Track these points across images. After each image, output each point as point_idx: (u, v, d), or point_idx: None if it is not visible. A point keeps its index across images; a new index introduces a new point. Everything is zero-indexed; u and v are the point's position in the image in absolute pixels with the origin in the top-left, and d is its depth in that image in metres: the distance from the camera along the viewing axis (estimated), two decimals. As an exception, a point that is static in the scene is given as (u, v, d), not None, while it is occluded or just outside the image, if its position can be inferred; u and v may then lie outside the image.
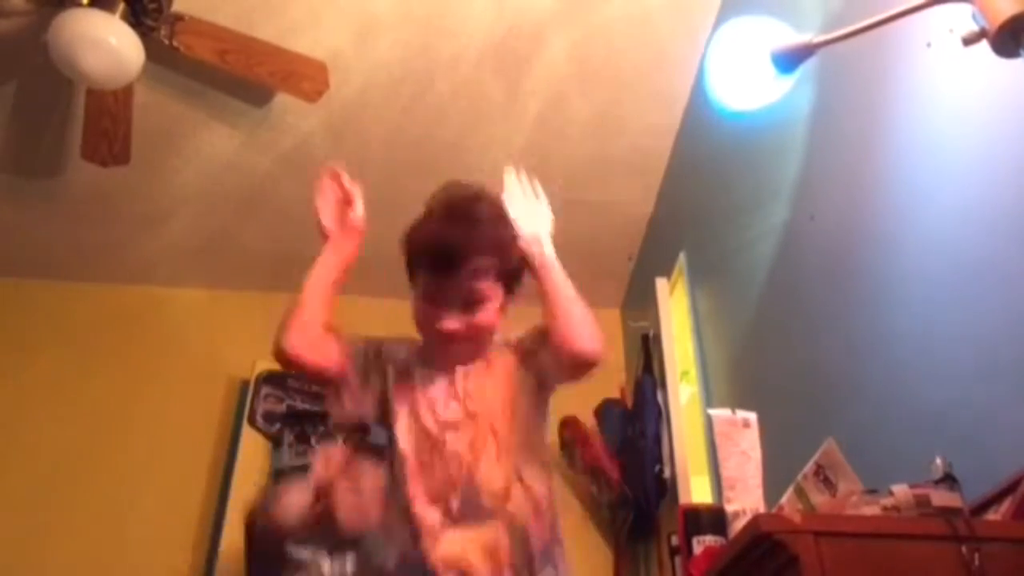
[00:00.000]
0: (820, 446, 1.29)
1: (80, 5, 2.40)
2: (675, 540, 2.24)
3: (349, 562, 1.39)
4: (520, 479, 1.50)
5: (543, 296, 1.57)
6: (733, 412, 1.64)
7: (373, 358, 1.61)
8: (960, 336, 1.41)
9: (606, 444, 3.23)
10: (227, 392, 3.56)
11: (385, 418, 1.53)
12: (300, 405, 3.44)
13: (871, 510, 1.13)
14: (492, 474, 1.48)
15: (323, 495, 1.44)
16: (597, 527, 3.37)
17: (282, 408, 3.42)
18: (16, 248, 3.58)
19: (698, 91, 2.84)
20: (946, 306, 1.46)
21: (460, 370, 1.59)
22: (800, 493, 1.28)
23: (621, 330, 3.86)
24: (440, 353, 1.60)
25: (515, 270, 1.64)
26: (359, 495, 1.44)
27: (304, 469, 3.30)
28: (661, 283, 3.08)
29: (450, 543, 1.41)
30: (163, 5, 2.50)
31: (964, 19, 1.19)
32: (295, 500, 1.45)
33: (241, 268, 3.73)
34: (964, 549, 1.01)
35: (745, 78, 1.60)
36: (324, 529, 1.41)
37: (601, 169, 3.23)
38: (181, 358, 3.60)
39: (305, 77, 2.66)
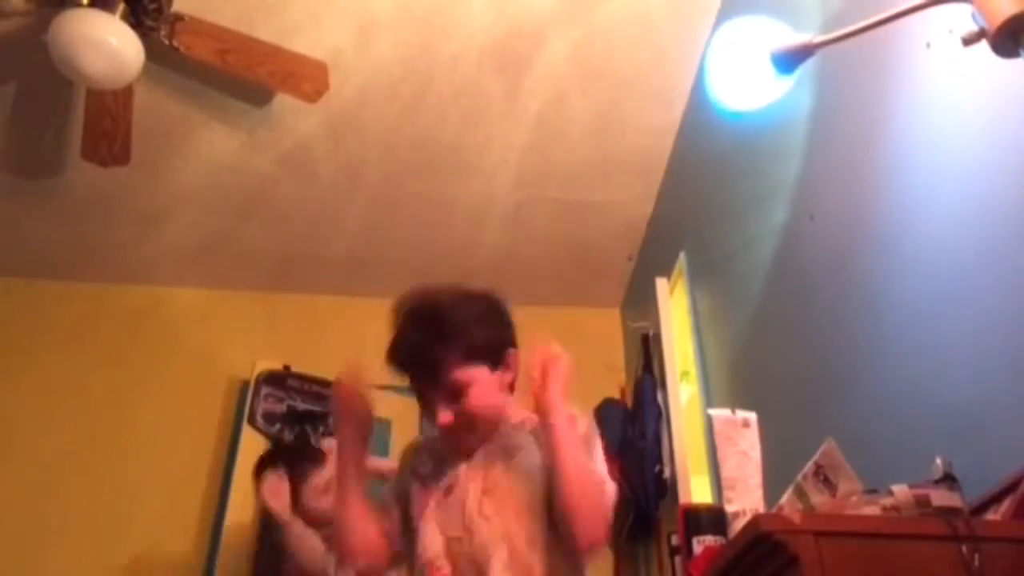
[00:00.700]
0: (820, 446, 1.29)
1: (80, 5, 2.40)
2: (675, 540, 2.24)
3: None
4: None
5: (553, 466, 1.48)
6: (733, 412, 1.64)
7: (399, 495, 1.61)
8: (960, 336, 1.41)
9: (606, 444, 3.22)
10: (227, 392, 3.56)
11: (410, 535, 1.54)
12: (300, 405, 3.44)
13: (871, 510, 1.13)
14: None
15: None
16: (597, 527, 3.37)
17: (282, 408, 3.43)
18: (16, 248, 3.58)
19: (698, 91, 2.84)
20: (946, 306, 1.46)
21: (478, 461, 1.56)
22: (800, 493, 1.28)
23: (621, 330, 3.87)
24: (452, 444, 1.59)
25: (487, 346, 1.56)
26: None
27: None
28: (661, 283, 3.08)
29: None
30: (163, 5, 2.50)
31: (964, 19, 1.19)
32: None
33: (241, 268, 3.73)
34: (964, 549, 1.01)
35: (745, 78, 1.60)
36: None
37: (601, 169, 3.23)
38: (181, 358, 3.60)
39: (305, 77, 2.66)
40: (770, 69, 1.53)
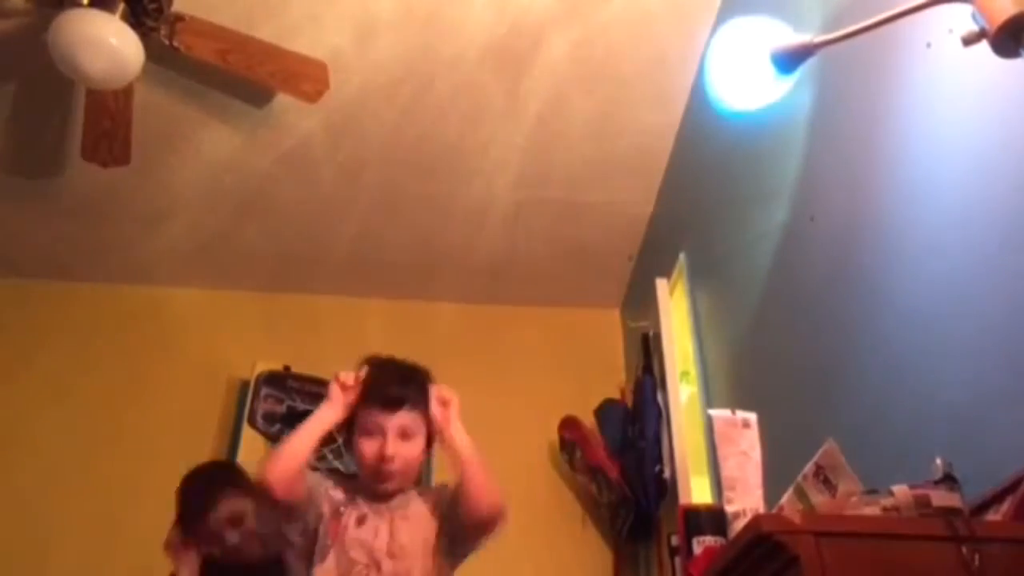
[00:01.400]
0: (820, 446, 1.29)
1: (80, 5, 2.40)
2: (675, 540, 2.24)
3: None
4: None
5: (452, 458, 1.83)
6: (733, 412, 1.63)
7: (316, 497, 1.82)
8: (960, 336, 1.41)
9: (606, 444, 3.23)
10: (227, 392, 3.56)
11: (312, 554, 1.77)
12: (300, 405, 3.44)
13: (871, 510, 1.13)
14: None
15: None
16: (597, 527, 3.37)
17: (282, 408, 3.42)
18: (16, 248, 3.58)
19: (698, 91, 2.84)
20: (946, 306, 1.46)
21: (390, 504, 1.84)
22: (800, 493, 1.28)
23: (621, 330, 3.87)
24: (371, 484, 1.85)
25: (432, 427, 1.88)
26: None
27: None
28: (661, 283, 3.08)
29: None
30: (163, 5, 2.50)
31: (964, 19, 1.19)
32: None
33: (241, 268, 3.73)
34: (964, 549, 1.00)
35: (745, 78, 1.61)
36: None
37: (601, 169, 3.23)
38: (181, 358, 3.60)
39: (305, 77, 2.66)
40: (770, 69, 1.53)
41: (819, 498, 1.24)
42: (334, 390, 1.86)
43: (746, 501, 1.52)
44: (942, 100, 1.51)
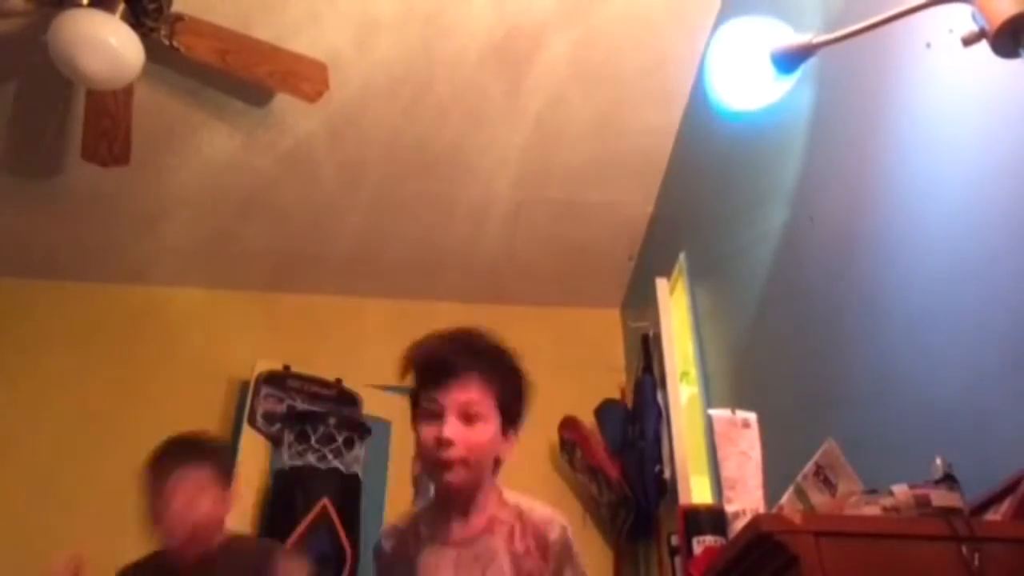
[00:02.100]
0: (820, 446, 1.29)
1: (80, 5, 2.40)
2: (675, 540, 2.24)
3: None
4: None
5: None
6: (733, 412, 1.63)
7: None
8: (960, 336, 1.41)
9: (606, 444, 3.23)
10: (227, 392, 3.56)
11: None
12: (300, 405, 3.44)
13: (871, 510, 1.13)
14: None
15: None
16: (597, 527, 3.37)
17: (282, 408, 3.42)
18: (16, 248, 3.58)
19: (698, 91, 2.84)
20: (946, 306, 1.46)
21: (465, 549, 1.49)
22: (800, 493, 1.28)
23: (621, 330, 3.87)
24: (439, 482, 1.52)
25: (512, 401, 1.54)
26: None
27: (304, 470, 3.28)
28: (661, 283, 3.08)
29: None
30: (163, 5, 2.50)
31: (964, 19, 1.19)
32: None
33: (241, 268, 3.73)
34: (964, 549, 1.00)
35: (745, 78, 1.60)
36: None
37: (601, 169, 3.23)
38: (181, 358, 3.60)
39: (305, 77, 2.66)
40: (770, 69, 1.53)
41: (819, 498, 1.24)
42: None
43: (746, 501, 1.52)
44: (942, 100, 1.51)
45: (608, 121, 3.03)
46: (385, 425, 3.46)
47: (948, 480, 1.13)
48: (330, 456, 3.22)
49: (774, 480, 1.52)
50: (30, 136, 3.06)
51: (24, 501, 3.22)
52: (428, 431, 1.47)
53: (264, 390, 3.45)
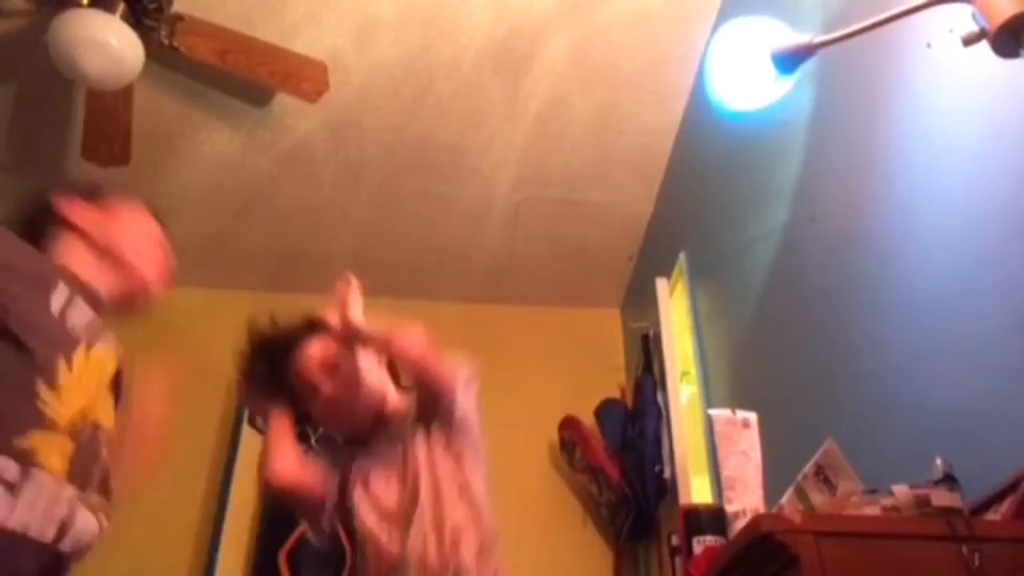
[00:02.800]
0: (820, 446, 1.29)
1: (80, 5, 2.40)
2: (675, 540, 2.24)
3: None
4: None
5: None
6: (733, 412, 1.63)
7: None
8: (960, 336, 1.41)
9: (606, 444, 3.23)
10: (227, 392, 3.56)
11: None
12: (300, 405, 3.43)
13: (871, 510, 1.13)
14: None
15: None
16: (597, 527, 3.37)
17: (282, 408, 3.42)
18: (16, 248, 3.58)
19: (698, 91, 2.84)
20: (946, 306, 1.46)
21: None
22: (800, 493, 1.28)
23: (621, 330, 3.87)
24: None
25: None
26: None
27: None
28: (661, 283, 3.08)
29: None
30: (163, 5, 2.50)
31: (964, 19, 1.19)
32: None
33: (241, 268, 3.73)
34: (964, 549, 1.01)
35: (745, 78, 1.60)
36: None
37: (601, 169, 3.23)
38: (181, 358, 3.59)
39: (305, 77, 2.66)
40: (770, 69, 1.53)
41: (819, 498, 1.24)
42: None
43: (746, 501, 1.52)
44: (942, 100, 1.51)
45: (608, 121, 3.03)
46: (385, 425, 3.46)
47: (948, 480, 1.13)
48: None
49: (774, 480, 1.52)
50: (30, 136, 3.06)
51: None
52: None
53: (264, 390, 3.44)
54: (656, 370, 3.08)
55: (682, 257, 2.96)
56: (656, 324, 3.04)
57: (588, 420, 3.35)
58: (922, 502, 1.10)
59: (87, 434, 1.25)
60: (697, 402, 2.72)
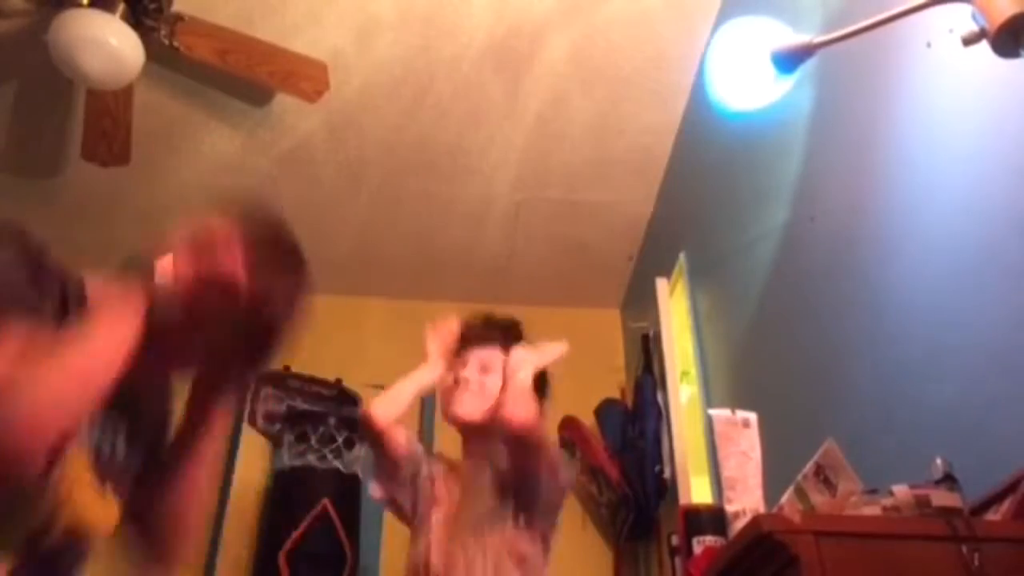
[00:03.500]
0: (820, 446, 1.29)
1: (80, 5, 2.40)
2: (675, 540, 2.24)
3: None
4: None
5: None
6: (733, 412, 1.63)
7: (416, 456, 1.92)
8: (960, 336, 1.41)
9: (606, 444, 3.23)
10: (227, 392, 3.55)
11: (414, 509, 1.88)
12: (300, 405, 3.44)
13: (871, 510, 1.13)
14: None
15: None
16: (597, 527, 3.37)
17: (282, 408, 3.42)
18: (16, 248, 3.58)
19: (698, 91, 2.83)
20: (946, 306, 1.46)
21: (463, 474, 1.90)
22: (800, 493, 1.28)
23: (621, 330, 3.87)
24: (448, 408, 1.96)
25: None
26: None
27: (304, 470, 3.28)
28: (661, 283, 3.08)
29: None
30: (163, 5, 2.50)
31: (964, 19, 1.19)
32: None
33: (241, 268, 3.72)
34: (964, 549, 1.01)
35: (745, 78, 1.60)
36: None
37: (601, 169, 3.23)
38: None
39: (305, 77, 2.66)
40: (770, 69, 1.53)
41: (819, 498, 1.24)
42: (431, 349, 1.98)
43: (746, 501, 1.52)
44: (942, 100, 1.51)
45: (608, 121, 3.03)
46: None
47: (948, 480, 1.13)
48: (330, 456, 3.22)
49: (774, 480, 1.52)
50: (30, 136, 3.06)
51: (24, 501, 3.22)
52: (452, 378, 1.94)
53: (264, 390, 3.45)
54: (656, 370, 3.08)
55: (682, 257, 2.96)
56: (656, 324, 3.03)
57: (588, 420, 3.35)
58: (922, 502, 1.10)
59: None
60: (697, 402, 2.72)
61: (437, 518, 1.82)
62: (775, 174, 2.23)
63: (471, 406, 1.89)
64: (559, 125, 3.04)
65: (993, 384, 1.31)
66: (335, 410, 3.39)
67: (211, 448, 1.25)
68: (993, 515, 1.16)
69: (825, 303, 1.92)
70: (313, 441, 3.23)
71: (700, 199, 2.92)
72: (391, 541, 3.25)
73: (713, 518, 1.64)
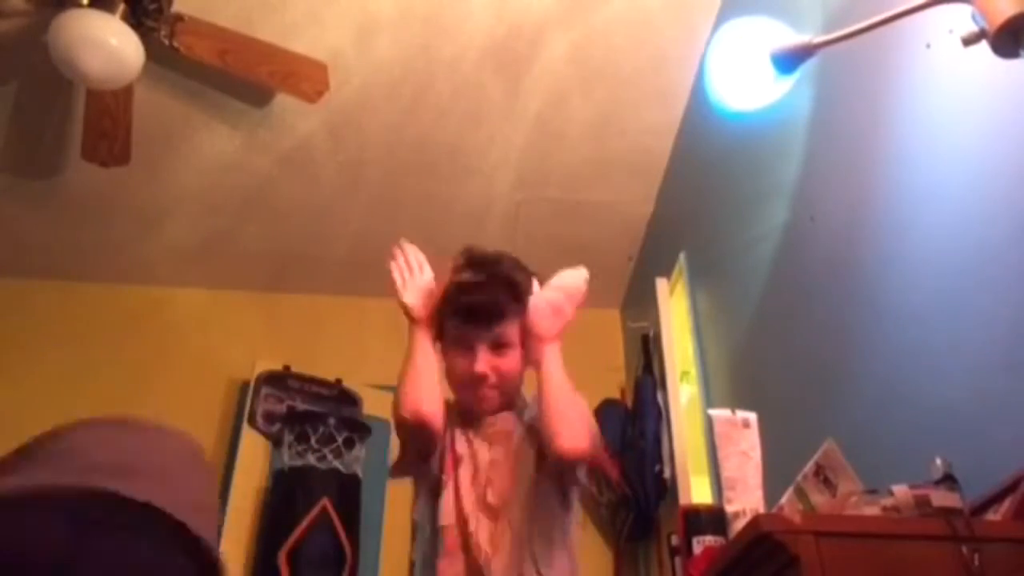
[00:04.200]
0: (820, 446, 1.29)
1: (80, 5, 2.40)
2: (675, 540, 2.24)
3: None
4: (537, 571, 1.52)
5: (539, 391, 1.61)
6: (733, 412, 1.63)
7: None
8: (959, 336, 1.41)
9: (606, 444, 3.23)
10: (227, 392, 3.56)
11: (434, 488, 1.62)
12: (300, 405, 3.44)
13: (871, 510, 1.13)
14: (508, 568, 1.52)
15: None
16: (597, 527, 3.37)
17: (282, 408, 3.42)
18: (16, 248, 3.58)
19: (698, 91, 2.84)
20: (945, 306, 1.46)
21: (486, 431, 1.64)
22: (800, 493, 1.28)
23: (621, 330, 3.87)
24: (472, 406, 1.66)
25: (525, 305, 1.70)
26: None
27: (304, 470, 3.29)
28: (661, 283, 3.08)
29: None
30: (163, 5, 2.50)
31: (964, 19, 1.19)
32: None
33: (241, 268, 3.73)
34: (964, 549, 1.01)
35: (745, 78, 1.60)
36: None
37: (601, 169, 3.23)
38: (181, 358, 3.60)
39: (305, 77, 2.66)
40: (770, 69, 1.53)
41: (819, 498, 1.24)
42: (409, 309, 1.65)
43: (746, 501, 1.52)
44: (942, 100, 1.51)
45: (608, 121, 3.03)
46: (385, 425, 3.45)
47: (948, 480, 1.13)
48: (330, 456, 3.22)
49: (774, 480, 1.52)
50: (30, 136, 3.06)
51: (24, 501, 3.22)
52: (461, 363, 1.64)
53: (264, 390, 3.45)
54: (656, 370, 3.08)
55: (682, 257, 2.96)
56: (656, 324, 3.04)
57: (588, 420, 3.35)
58: (922, 502, 1.10)
59: None
60: (697, 402, 2.72)
61: (463, 476, 1.60)
62: (775, 174, 2.23)
63: (500, 400, 1.64)
64: (559, 125, 3.04)
65: (993, 384, 1.31)
66: (335, 410, 3.39)
67: None
68: (993, 515, 1.16)
69: (825, 303, 1.92)
70: (313, 441, 3.23)
71: (700, 199, 2.92)
72: (391, 541, 3.26)
73: (713, 518, 1.64)
